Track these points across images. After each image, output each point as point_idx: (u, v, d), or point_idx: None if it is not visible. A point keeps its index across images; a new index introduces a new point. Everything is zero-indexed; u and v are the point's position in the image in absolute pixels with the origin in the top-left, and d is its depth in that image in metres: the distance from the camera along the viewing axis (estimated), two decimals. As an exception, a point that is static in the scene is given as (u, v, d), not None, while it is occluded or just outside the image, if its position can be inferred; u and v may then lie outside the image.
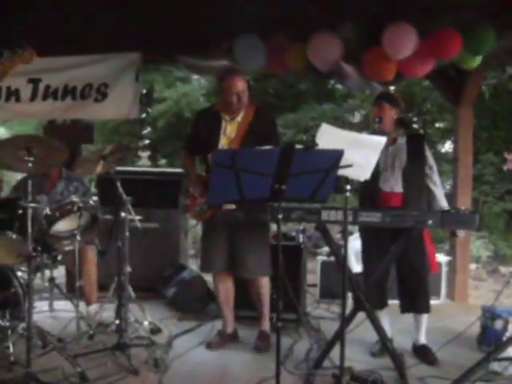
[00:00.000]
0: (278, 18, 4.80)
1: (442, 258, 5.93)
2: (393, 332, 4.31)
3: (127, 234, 4.37)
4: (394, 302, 4.31)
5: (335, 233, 5.60)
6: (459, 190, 5.96)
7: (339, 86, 10.90)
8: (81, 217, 4.51)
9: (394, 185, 4.18)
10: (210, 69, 5.69)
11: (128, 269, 4.48)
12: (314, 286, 5.91)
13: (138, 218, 4.56)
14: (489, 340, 4.30)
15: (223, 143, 4.20)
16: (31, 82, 5.70)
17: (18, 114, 6.07)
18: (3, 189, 5.91)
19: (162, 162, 13.11)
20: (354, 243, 5.07)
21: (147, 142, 13.60)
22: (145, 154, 13.44)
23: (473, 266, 7.76)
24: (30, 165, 3.58)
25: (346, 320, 3.59)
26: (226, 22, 4.92)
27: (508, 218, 10.13)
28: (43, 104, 5.78)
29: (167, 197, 5.98)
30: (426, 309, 4.21)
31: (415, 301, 4.19)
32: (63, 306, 5.14)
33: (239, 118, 4.24)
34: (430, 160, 4.26)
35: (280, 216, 3.15)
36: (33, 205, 3.73)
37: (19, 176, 5.60)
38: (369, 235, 4.26)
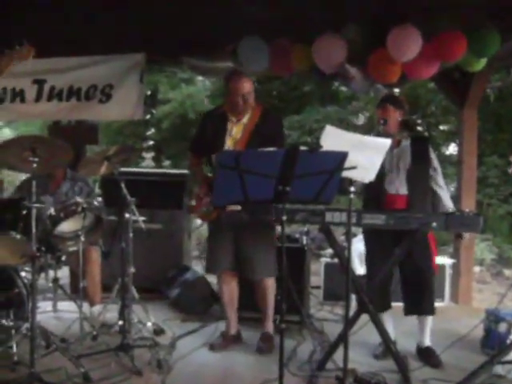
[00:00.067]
0: (282, 20, 4.80)
1: (445, 260, 5.92)
2: (396, 334, 4.30)
3: (131, 234, 4.37)
4: (397, 305, 4.30)
5: (339, 235, 5.59)
6: (463, 193, 5.95)
7: (343, 88, 10.88)
8: (85, 218, 4.52)
9: (399, 187, 4.17)
10: (215, 70, 5.70)
11: (132, 269, 4.48)
12: (317, 287, 5.90)
13: (142, 218, 4.56)
14: (492, 343, 4.28)
15: (229, 144, 4.20)
16: (36, 83, 5.72)
17: (22, 115, 6.10)
18: (6, 189, 5.93)
19: (166, 163, 13.11)
20: (358, 245, 5.07)
21: (151, 143, 13.61)
22: (149, 155, 13.44)
23: (477, 269, 7.75)
24: (34, 165, 3.59)
25: (349, 322, 3.59)
26: (230, 24, 4.93)
27: (512, 221, 10.11)
28: (48, 105, 5.80)
29: (171, 198, 5.98)
30: (430, 311, 4.20)
31: (420, 303, 4.17)
32: (67, 306, 5.14)
33: (245, 120, 4.24)
34: (435, 162, 4.26)
35: (284, 217, 3.15)
36: (37, 205, 3.73)
37: (23, 176, 5.61)
38: (373, 237, 4.26)
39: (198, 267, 6.00)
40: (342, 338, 3.59)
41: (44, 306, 5.11)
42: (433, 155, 4.29)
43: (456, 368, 4.00)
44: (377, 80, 5.04)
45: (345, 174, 3.18)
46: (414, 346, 4.33)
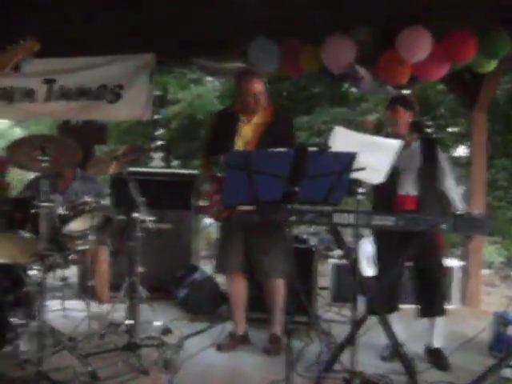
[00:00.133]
0: (291, 21, 4.80)
1: (454, 263, 5.90)
2: (404, 337, 4.29)
3: (140, 234, 4.37)
4: (406, 307, 4.29)
5: (348, 236, 5.58)
6: (473, 195, 5.92)
7: (353, 89, 10.87)
8: (94, 217, 4.53)
9: (409, 188, 4.16)
10: (224, 71, 5.70)
11: (140, 269, 4.48)
12: (325, 288, 5.88)
13: (151, 218, 4.56)
14: (501, 346, 4.26)
15: (239, 145, 4.18)
16: (46, 83, 5.75)
17: (32, 114, 6.13)
18: (15, 187, 5.94)
19: (175, 163, 13.13)
20: (366, 247, 5.06)
21: (160, 143, 13.64)
22: (157, 156, 13.47)
23: (485, 272, 7.69)
24: (43, 164, 3.61)
25: (357, 324, 3.58)
26: (240, 24, 4.93)
27: (521, 224, 10.06)
28: (58, 104, 5.83)
29: (180, 198, 5.98)
30: (440, 312, 4.20)
31: (432, 303, 4.16)
32: (75, 305, 5.15)
33: (256, 120, 4.22)
34: (444, 163, 4.24)
35: (293, 218, 3.14)
36: (46, 204, 3.74)
37: (32, 175, 5.63)
38: (382, 239, 4.25)
39: (207, 267, 6.00)
40: (350, 340, 3.58)
41: (52, 304, 5.10)
42: (443, 156, 4.28)
43: (463, 370, 3.98)
44: (386, 81, 5.03)
45: (354, 174, 3.17)
46: (421, 348, 4.32)
